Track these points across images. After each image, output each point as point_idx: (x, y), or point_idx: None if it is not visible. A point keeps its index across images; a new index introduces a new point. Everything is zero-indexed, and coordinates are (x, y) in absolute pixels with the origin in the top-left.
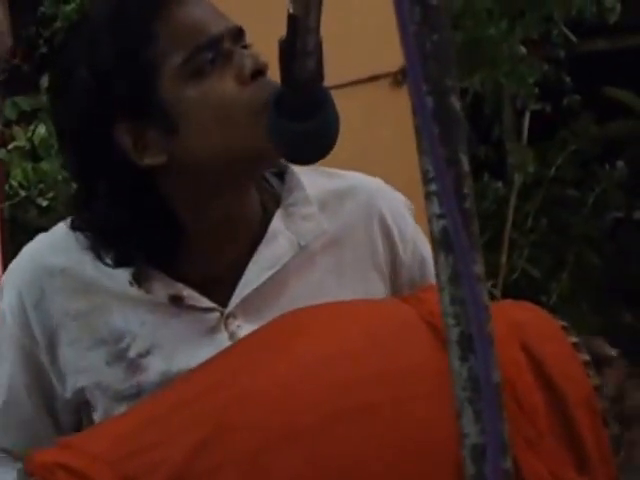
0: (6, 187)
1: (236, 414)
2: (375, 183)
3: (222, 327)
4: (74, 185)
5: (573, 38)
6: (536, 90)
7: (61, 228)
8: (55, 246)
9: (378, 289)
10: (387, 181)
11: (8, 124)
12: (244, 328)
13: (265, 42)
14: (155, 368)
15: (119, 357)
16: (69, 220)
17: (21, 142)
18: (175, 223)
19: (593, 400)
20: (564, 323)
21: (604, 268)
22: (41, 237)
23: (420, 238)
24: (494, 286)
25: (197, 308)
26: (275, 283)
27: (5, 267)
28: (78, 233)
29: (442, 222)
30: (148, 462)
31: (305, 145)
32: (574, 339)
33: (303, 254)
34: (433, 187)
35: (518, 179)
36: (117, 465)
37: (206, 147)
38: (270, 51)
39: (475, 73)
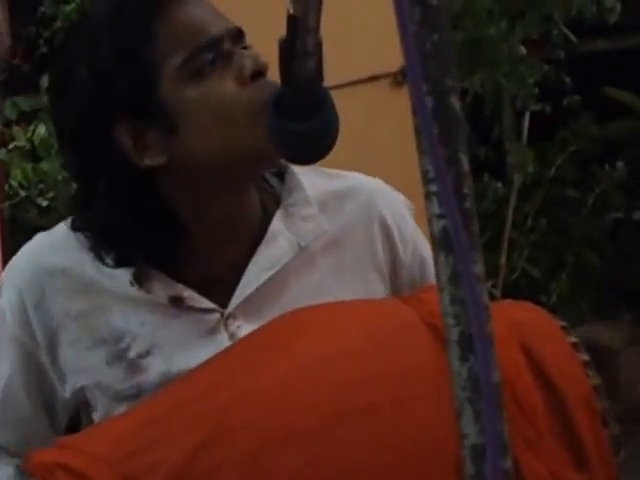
0: (6, 187)
1: (236, 414)
2: (375, 183)
3: (222, 328)
4: (74, 185)
5: (573, 38)
6: (536, 90)
7: (61, 228)
8: (55, 246)
9: (378, 290)
10: (387, 181)
11: (8, 124)
12: (244, 329)
13: (265, 43)
14: (155, 368)
15: (119, 357)
16: (69, 220)
17: (21, 142)
18: (175, 223)
19: (592, 400)
20: (564, 323)
21: (604, 268)
22: (41, 237)
23: (420, 239)
24: (494, 286)
25: (197, 309)
26: (275, 284)
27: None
28: (78, 233)
29: (442, 222)
30: (148, 462)
31: (305, 145)
32: (574, 339)
33: (303, 255)
34: (433, 187)
35: (518, 179)
36: (117, 465)
37: (206, 147)
38: (270, 52)
39: (475, 73)
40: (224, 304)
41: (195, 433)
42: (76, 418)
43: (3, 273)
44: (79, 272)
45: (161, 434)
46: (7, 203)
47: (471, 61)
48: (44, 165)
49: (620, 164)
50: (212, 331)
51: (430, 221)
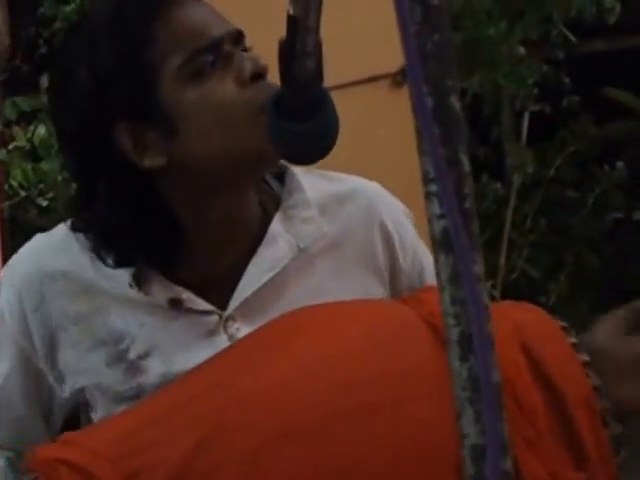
0: (6, 187)
1: (235, 414)
2: (375, 188)
3: (221, 330)
4: (74, 185)
5: (572, 39)
6: (535, 91)
7: (61, 230)
8: (56, 248)
9: (377, 293)
10: (386, 181)
11: (8, 124)
12: (243, 331)
13: (264, 44)
14: (155, 370)
15: (119, 358)
16: (69, 222)
17: (21, 142)
18: (175, 224)
19: (592, 400)
20: (564, 324)
21: (603, 269)
22: (40, 238)
23: (421, 247)
24: (493, 286)
25: (196, 311)
26: (274, 286)
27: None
28: (79, 234)
29: (442, 222)
30: (148, 461)
31: (305, 145)
32: (573, 339)
33: (303, 257)
34: (433, 187)
35: (517, 180)
36: (118, 462)
37: (206, 148)
38: (270, 53)
39: (474, 74)
40: (223, 306)
41: (194, 433)
42: (71, 419)
43: (2, 273)
44: (79, 275)
45: (161, 433)
46: (7, 203)
47: (470, 61)
48: (44, 165)
49: (620, 164)
50: (211, 333)
51: (430, 221)
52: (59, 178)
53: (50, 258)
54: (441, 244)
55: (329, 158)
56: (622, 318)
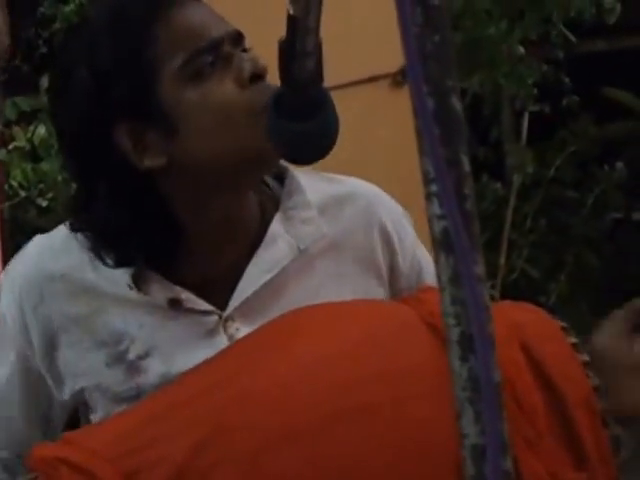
0: (6, 187)
1: (235, 414)
2: (374, 190)
3: (221, 330)
4: (74, 186)
5: (572, 39)
6: (535, 91)
7: (61, 231)
8: (55, 249)
9: (377, 294)
10: (386, 181)
11: (8, 124)
12: (242, 331)
13: (264, 44)
14: (154, 370)
15: (118, 359)
16: (69, 223)
17: (21, 142)
18: (174, 224)
19: (592, 400)
20: (563, 324)
21: (603, 269)
22: (40, 239)
23: (419, 249)
24: (493, 286)
25: (195, 311)
26: (274, 286)
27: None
28: (79, 234)
29: (443, 223)
30: (148, 460)
31: (305, 145)
32: (573, 340)
33: (302, 258)
34: (434, 188)
35: (517, 180)
36: (117, 461)
37: (205, 149)
38: (269, 53)
39: (474, 74)
40: (223, 306)
41: (194, 432)
42: (71, 421)
43: (2, 276)
44: (79, 276)
45: (161, 433)
46: (7, 203)
47: (470, 61)
48: (44, 165)
49: (619, 164)
50: (211, 333)
51: (431, 222)
52: (59, 178)
53: (49, 259)
54: (441, 244)
55: (329, 158)
56: (622, 319)
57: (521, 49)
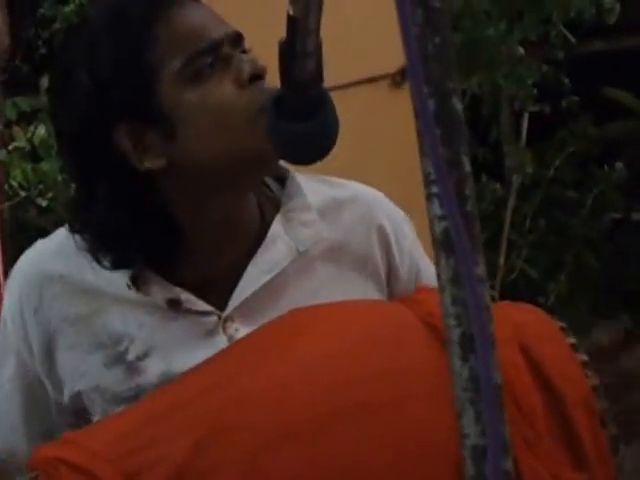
0: (6, 187)
1: (235, 414)
2: (375, 194)
3: (220, 330)
4: (74, 186)
5: (572, 39)
6: (535, 91)
7: (61, 233)
8: (55, 251)
9: (375, 297)
10: (386, 182)
11: (8, 124)
12: (242, 331)
13: (264, 45)
14: (154, 370)
15: (118, 360)
16: (68, 224)
17: (21, 143)
18: (174, 225)
19: (591, 400)
20: (562, 324)
21: (602, 269)
22: (41, 243)
23: (419, 251)
24: (492, 287)
25: (195, 311)
26: (273, 287)
27: (5, 267)
28: (77, 236)
29: (443, 224)
30: (147, 459)
31: (305, 146)
32: (572, 340)
33: (302, 259)
34: (434, 189)
35: (516, 180)
36: (117, 462)
37: (205, 150)
38: (269, 54)
39: (473, 74)
40: (222, 307)
41: (194, 432)
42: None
43: (7, 281)
44: (77, 277)
45: (160, 433)
46: (7, 203)
47: (470, 62)
48: (44, 166)
49: (619, 165)
50: (210, 333)
51: (431, 223)
52: (59, 178)
53: (49, 260)
54: (442, 245)
55: (329, 158)
56: None
57: (520, 50)
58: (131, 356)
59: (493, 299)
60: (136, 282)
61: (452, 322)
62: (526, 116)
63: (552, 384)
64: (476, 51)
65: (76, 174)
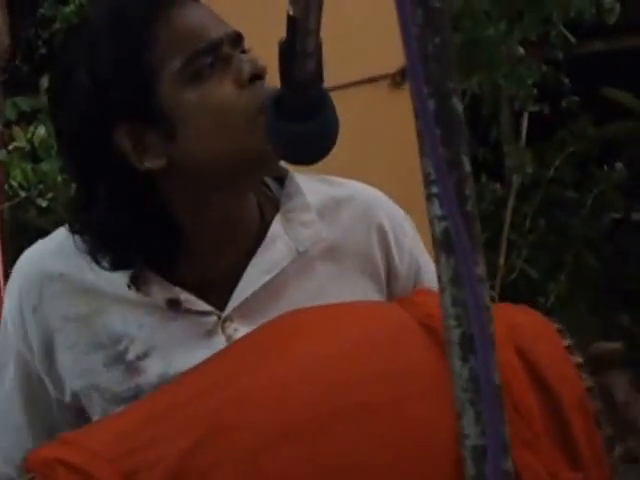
0: (6, 188)
1: (234, 414)
2: (374, 193)
3: (219, 330)
4: (74, 186)
5: (572, 39)
6: (534, 91)
7: (61, 233)
8: (54, 251)
9: (375, 296)
10: (386, 182)
11: (8, 124)
12: (241, 331)
13: (264, 45)
14: (153, 370)
15: (117, 359)
16: (68, 224)
17: (21, 143)
18: (174, 225)
19: (586, 401)
20: (559, 326)
21: (602, 269)
22: (41, 242)
23: (418, 247)
24: (492, 287)
25: (194, 311)
26: (273, 287)
27: (5, 267)
28: (76, 236)
29: (443, 224)
30: (146, 459)
31: (304, 146)
32: (568, 342)
33: (302, 260)
34: (434, 189)
35: (516, 180)
36: (116, 462)
37: (205, 150)
38: (269, 54)
39: (473, 74)
40: (222, 307)
41: (193, 432)
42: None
43: (8, 282)
44: (78, 276)
45: (159, 433)
46: (7, 204)
47: (469, 62)
48: (44, 166)
49: (619, 165)
50: (209, 333)
51: (431, 223)
52: (59, 179)
53: (49, 260)
54: (442, 245)
55: (329, 158)
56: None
57: (520, 50)
58: (131, 356)
59: (493, 299)
60: (136, 282)
61: (452, 323)
62: (526, 116)
63: (548, 385)
64: (476, 51)
65: (76, 174)
